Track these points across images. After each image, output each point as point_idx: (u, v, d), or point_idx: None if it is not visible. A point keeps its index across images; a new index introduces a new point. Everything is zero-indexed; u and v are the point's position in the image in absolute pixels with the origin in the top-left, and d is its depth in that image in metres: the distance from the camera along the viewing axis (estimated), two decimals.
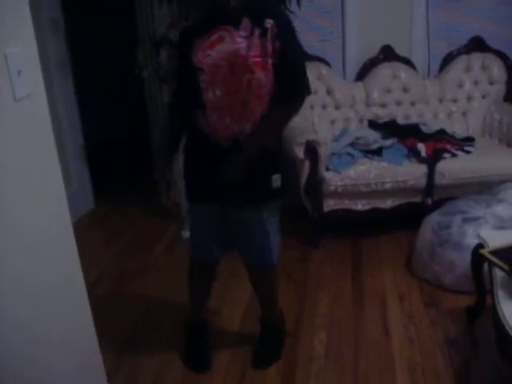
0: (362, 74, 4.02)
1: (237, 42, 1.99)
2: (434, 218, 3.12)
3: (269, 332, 2.60)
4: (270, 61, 1.99)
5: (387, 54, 3.99)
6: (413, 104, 3.98)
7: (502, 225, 2.79)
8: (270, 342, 2.58)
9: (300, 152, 3.25)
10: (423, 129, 3.70)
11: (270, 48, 1.98)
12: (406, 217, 3.55)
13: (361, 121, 3.96)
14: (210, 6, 2.04)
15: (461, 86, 4.00)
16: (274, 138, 2.15)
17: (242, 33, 1.98)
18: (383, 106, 3.96)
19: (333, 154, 3.49)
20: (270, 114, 2.05)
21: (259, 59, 1.99)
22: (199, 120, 2.10)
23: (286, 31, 2.03)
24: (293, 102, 2.12)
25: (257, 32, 1.97)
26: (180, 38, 2.23)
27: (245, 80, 2.01)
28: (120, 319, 2.90)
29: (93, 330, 1.98)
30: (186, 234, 3.80)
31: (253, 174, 2.05)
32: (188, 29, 2.22)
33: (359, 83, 4.01)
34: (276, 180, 2.17)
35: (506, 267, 2.14)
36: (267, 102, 2.05)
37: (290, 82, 2.06)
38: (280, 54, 1.99)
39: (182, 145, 2.27)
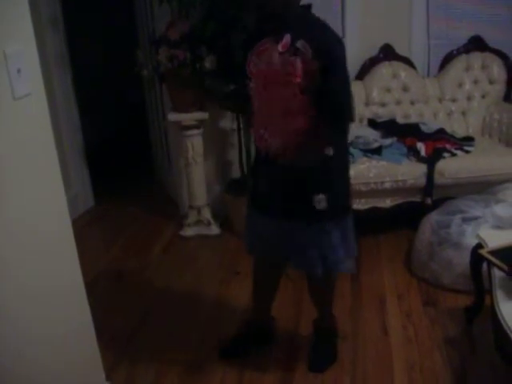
0: (362, 73, 4.01)
1: (273, 56, 2.00)
2: (433, 218, 3.12)
3: (320, 335, 2.58)
4: (297, 80, 1.96)
5: (387, 53, 3.98)
6: (412, 103, 3.98)
7: (501, 225, 2.78)
8: (321, 345, 2.56)
9: None
10: (423, 128, 3.70)
11: (299, 68, 1.95)
12: (405, 216, 3.55)
13: (360, 120, 3.94)
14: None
15: (460, 85, 3.99)
16: (305, 158, 2.08)
17: (280, 48, 1.98)
18: (383, 105, 3.96)
19: None
20: (311, 137, 2.05)
21: (287, 78, 1.98)
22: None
23: (328, 56, 1.95)
24: (335, 128, 2.08)
25: (292, 50, 1.97)
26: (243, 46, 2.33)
27: (275, 96, 2.04)
28: (119, 318, 2.90)
29: (92, 329, 1.99)
30: (185, 232, 3.81)
31: (293, 192, 2.12)
32: (248, 37, 2.33)
33: (359, 82, 3.99)
34: (319, 201, 2.10)
35: (505, 267, 2.14)
36: (302, 123, 2.03)
37: (333, 108, 2.01)
38: (321, 77, 1.95)
39: None
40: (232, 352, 2.58)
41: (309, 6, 2.08)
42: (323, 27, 2.04)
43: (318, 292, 2.48)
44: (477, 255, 2.45)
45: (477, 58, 3.98)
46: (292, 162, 2.09)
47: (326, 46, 1.97)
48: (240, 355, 2.56)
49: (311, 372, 2.45)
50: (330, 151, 2.08)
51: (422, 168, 3.39)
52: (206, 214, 3.80)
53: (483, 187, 3.32)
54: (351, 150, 3.50)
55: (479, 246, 2.46)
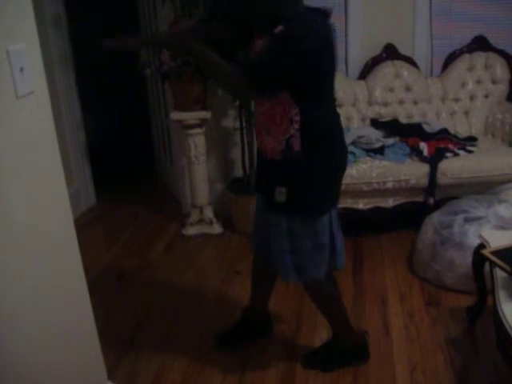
0: (365, 72, 4.01)
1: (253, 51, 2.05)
2: (435, 218, 3.12)
3: (329, 341, 2.56)
4: None
5: (390, 52, 3.98)
6: (415, 103, 3.97)
7: (503, 225, 2.78)
8: (321, 349, 2.55)
9: None
10: (425, 128, 3.69)
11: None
12: (407, 216, 3.55)
13: (363, 119, 3.95)
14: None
15: (463, 85, 3.99)
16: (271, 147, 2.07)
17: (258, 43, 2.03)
18: (385, 104, 3.95)
19: None
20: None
21: None
22: None
23: (276, 39, 1.91)
24: (233, 72, 1.92)
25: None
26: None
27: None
28: (120, 317, 2.90)
29: (94, 328, 1.99)
30: (187, 231, 3.81)
31: (265, 181, 2.18)
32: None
33: (362, 82, 3.99)
34: (279, 194, 2.06)
35: (507, 268, 2.14)
36: (280, 124, 2.01)
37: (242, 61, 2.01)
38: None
39: None
40: (230, 340, 2.61)
41: (326, 13, 2.02)
42: (298, 21, 1.93)
43: (311, 298, 2.44)
44: (479, 255, 2.44)
45: (480, 58, 3.98)
46: (263, 150, 2.13)
47: (281, 35, 1.89)
48: (238, 343, 2.60)
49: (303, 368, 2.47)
50: (297, 146, 2.01)
51: (425, 168, 3.39)
52: (209, 212, 3.80)
53: (486, 187, 3.32)
54: (353, 149, 3.50)
55: (481, 246, 2.46)
